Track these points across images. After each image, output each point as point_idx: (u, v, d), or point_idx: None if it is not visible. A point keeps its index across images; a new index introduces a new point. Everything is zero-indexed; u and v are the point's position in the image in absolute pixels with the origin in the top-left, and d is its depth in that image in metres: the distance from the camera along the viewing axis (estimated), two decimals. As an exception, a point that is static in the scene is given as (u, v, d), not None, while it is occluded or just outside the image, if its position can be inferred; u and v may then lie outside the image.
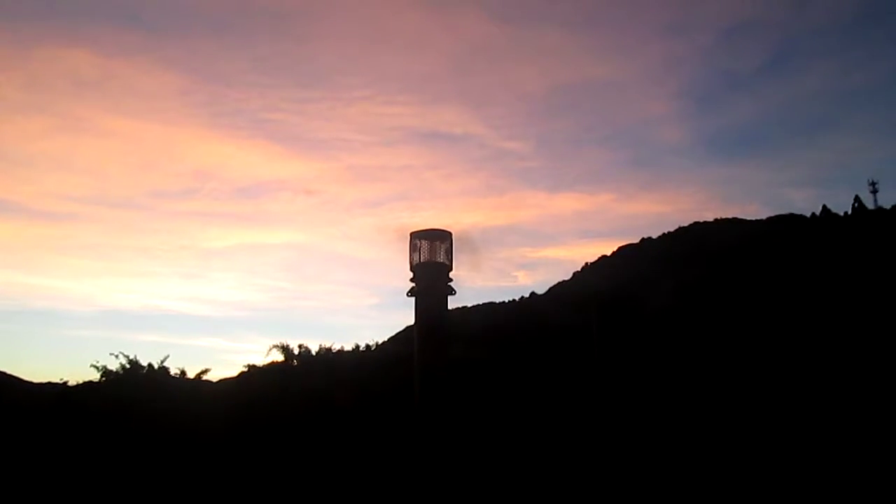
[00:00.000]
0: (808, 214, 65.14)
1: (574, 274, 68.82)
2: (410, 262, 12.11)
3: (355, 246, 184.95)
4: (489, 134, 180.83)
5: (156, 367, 33.14)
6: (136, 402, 29.00)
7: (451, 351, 11.97)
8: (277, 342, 31.97)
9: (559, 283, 66.05)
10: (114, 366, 31.67)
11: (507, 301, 62.94)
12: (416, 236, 12.27)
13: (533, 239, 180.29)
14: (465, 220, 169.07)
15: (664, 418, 22.21)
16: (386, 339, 49.17)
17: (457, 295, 11.99)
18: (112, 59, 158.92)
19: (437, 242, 12.09)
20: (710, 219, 72.45)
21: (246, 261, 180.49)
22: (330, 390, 27.41)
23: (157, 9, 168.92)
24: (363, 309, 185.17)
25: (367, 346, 34.41)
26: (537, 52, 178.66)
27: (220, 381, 54.78)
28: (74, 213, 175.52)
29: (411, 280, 11.93)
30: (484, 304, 62.09)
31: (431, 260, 11.95)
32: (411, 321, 12.08)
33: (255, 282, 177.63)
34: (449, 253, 12.08)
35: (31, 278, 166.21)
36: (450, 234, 12.25)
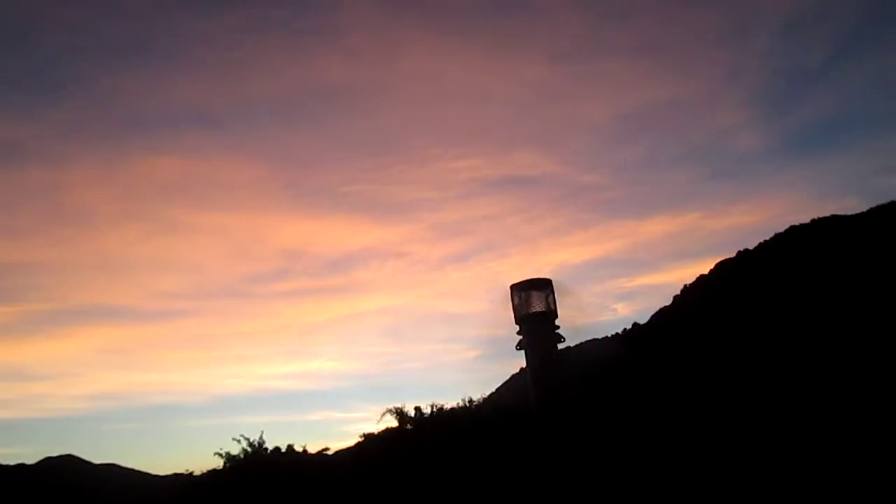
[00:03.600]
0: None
1: (674, 298, 66.91)
2: (515, 315, 12.12)
3: (449, 301, 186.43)
4: (565, 171, 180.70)
5: (272, 448, 33.96)
6: (263, 484, 29.79)
7: (566, 393, 11.90)
8: (390, 406, 32.15)
9: (661, 310, 64.33)
10: (235, 450, 32.56)
11: (609, 335, 61.81)
12: (518, 288, 12.32)
13: (626, 268, 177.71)
14: (554, 260, 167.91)
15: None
16: (494, 389, 48.95)
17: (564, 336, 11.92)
18: (193, 160, 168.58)
19: (539, 292, 12.11)
20: (807, 220, 69.40)
21: (345, 331, 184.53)
22: (448, 447, 27.43)
23: (229, 106, 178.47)
24: (466, 362, 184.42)
25: (470, 401, 34.02)
26: (599, 84, 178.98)
27: (338, 452, 55.56)
28: (177, 309, 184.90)
29: (518, 332, 11.96)
30: (588, 341, 61.11)
31: (536, 310, 11.99)
32: (515, 369, 12.13)
33: (357, 350, 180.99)
34: (552, 300, 12.07)
35: (145, 376, 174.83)
36: (549, 281, 12.27)
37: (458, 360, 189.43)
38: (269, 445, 33.55)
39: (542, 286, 12.12)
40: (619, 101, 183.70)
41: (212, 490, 30.84)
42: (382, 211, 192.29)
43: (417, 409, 31.07)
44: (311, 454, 36.54)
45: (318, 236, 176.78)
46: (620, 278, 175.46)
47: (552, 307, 12.01)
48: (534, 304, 11.95)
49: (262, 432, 33.68)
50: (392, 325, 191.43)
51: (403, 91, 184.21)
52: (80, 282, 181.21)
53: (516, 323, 12.09)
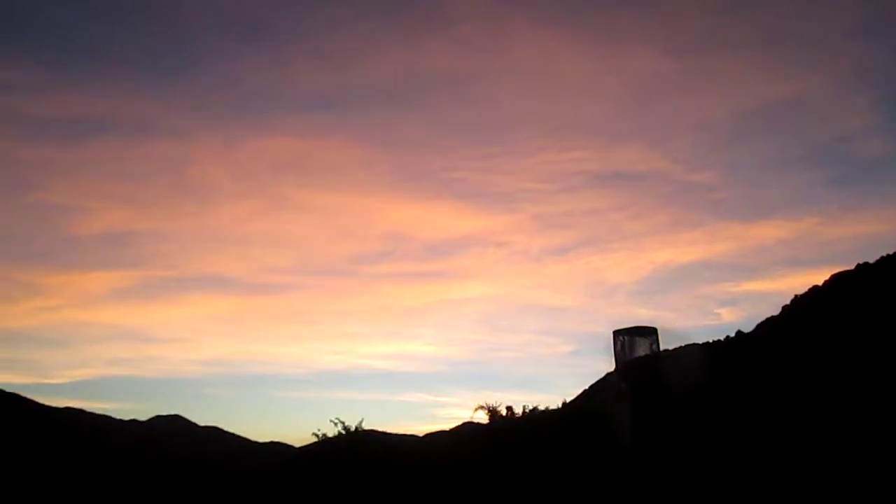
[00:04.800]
0: None
1: (783, 308, 64.05)
2: (616, 361, 11.89)
3: (547, 294, 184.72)
4: (673, 168, 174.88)
5: (367, 428, 34.90)
6: (358, 466, 30.73)
7: (668, 406, 11.71)
8: (481, 398, 32.39)
9: (767, 320, 61.76)
10: (332, 433, 33.69)
11: (710, 341, 59.77)
12: (620, 334, 12.08)
13: (733, 272, 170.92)
14: (657, 259, 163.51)
15: None
16: (586, 386, 48.40)
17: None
18: (305, 140, 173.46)
19: (642, 339, 11.82)
20: (937, 234, 64.58)
21: (443, 316, 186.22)
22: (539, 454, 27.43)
23: (342, 90, 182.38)
24: (559, 357, 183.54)
25: (564, 403, 33.80)
26: (714, 79, 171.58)
27: (428, 435, 56.49)
28: (283, 283, 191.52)
29: (619, 376, 11.77)
30: (687, 346, 59.36)
31: (637, 356, 11.74)
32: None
33: (452, 336, 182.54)
34: (655, 347, 11.77)
35: (250, 346, 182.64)
36: (654, 329, 11.92)
37: (552, 353, 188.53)
38: (365, 425, 34.57)
39: (646, 333, 11.87)
40: (737, 97, 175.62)
41: (308, 467, 32.10)
42: (485, 199, 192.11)
43: (510, 409, 31.23)
44: (403, 435, 37.40)
45: (421, 221, 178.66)
46: (726, 282, 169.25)
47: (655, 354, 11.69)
48: (638, 350, 11.77)
49: (362, 420, 34.69)
50: (489, 314, 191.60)
51: (511, 81, 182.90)
52: (197, 252, 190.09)
53: (616, 368, 11.90)
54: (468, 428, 36.95)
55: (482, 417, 31.54)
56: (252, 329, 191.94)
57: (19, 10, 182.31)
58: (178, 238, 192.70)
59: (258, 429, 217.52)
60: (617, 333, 11.62)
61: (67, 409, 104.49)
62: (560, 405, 33.65)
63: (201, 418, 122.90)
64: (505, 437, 29.17)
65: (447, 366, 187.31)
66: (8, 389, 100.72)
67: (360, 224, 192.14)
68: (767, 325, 59.51)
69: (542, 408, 33.14)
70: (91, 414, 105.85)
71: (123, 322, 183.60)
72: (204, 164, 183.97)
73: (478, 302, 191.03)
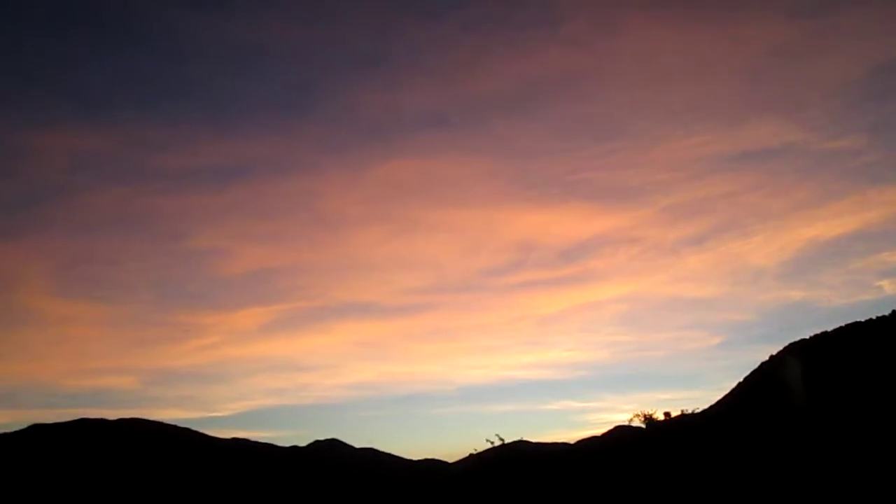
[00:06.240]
0: None
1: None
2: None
3: (688, 286, 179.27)
4: (810, 138, 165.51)
5: (517, 440, 35.04)
6: (516, 473, 30.79)
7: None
8: (638, 411, 31.72)
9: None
10: (484, 446, 33.99)
11: (874, 318, 55.71)
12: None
13: (891, 240, 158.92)
14: (804, 236, 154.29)
15: None
16: (740, 378, 46.35)
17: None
18: (426, 159, 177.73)
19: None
20: None
21: (581, 320, 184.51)
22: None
23: (456, 106, 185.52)
24: (708, 350, 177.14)
25: (721, 403, 32.48)
26: (847, 37, 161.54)
27: (579, 441, 55.86)
28: (421, 303, 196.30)
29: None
30: (849, 324, 55.56)
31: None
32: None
33: (594, 339, 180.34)
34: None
35: (395, 367, 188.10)
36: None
37: (700, 347, 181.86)
38: (515, 436, 34.68)
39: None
40: (873, 53, 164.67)
41: (468, 483, 32.54)
42: (612, 197, 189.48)
43: (667, 414, 30.41)
44: (555, 444, 37.24)
45: (548, 227, 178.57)
46: (884, 252, 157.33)
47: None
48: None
49: (521, 439, 34.72)
50: (628, 313, 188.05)
51: (624, 73, 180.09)
52: (336, 281, 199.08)
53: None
54: (621, 431, 36.29)
55: (637, 422, 30.91)
56: (395, 350, 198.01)
57: (149, 69, 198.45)
58: (316, 269, 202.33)
59: (411, 447, 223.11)
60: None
61: (234, 439, 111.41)
62: (715, 402, 32.38)
63: (357, 440, 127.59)
64: (663, 441, 28.36)
65: (591, 370, 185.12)
66: (181, 424, 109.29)
67: (489, 237, 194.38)
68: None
69: (699, 407, 32.09)
70: (256, 443, 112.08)
71: (275, 354, 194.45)
72: (334, 195, 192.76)
73: (616, 302, 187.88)
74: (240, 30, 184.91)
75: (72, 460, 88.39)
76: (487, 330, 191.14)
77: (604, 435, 39.54)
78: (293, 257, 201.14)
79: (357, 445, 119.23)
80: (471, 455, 39.26)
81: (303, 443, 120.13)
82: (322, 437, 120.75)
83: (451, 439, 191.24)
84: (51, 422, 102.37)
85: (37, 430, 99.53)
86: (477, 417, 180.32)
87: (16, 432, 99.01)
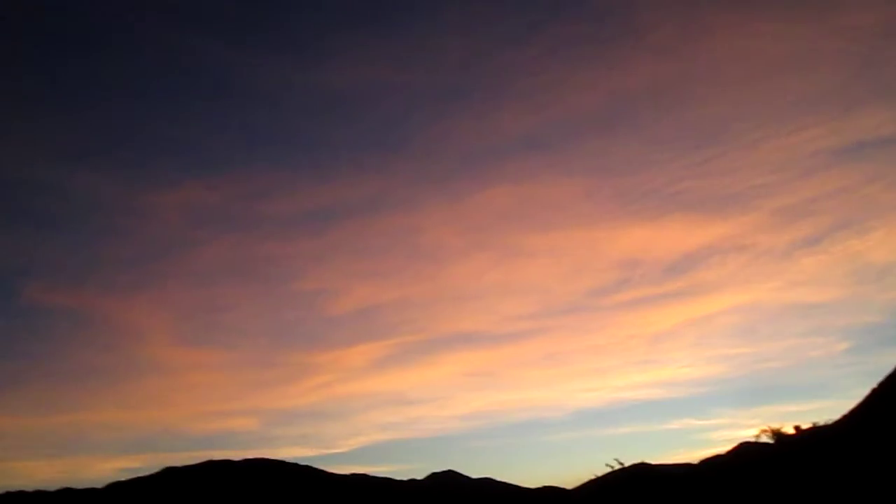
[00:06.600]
0: None
1: None
2: None
3: (805, 291, 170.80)
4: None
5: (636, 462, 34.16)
6: (640, 496, 30.19)
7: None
8: (766, 426, 30.46)
9: None
10: (603, 471, 33.47)
11: None
12: None
13: None
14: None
15: None
16: (874, 384, 43.51)
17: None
18: (522, 184, 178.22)
19: None
20: None
21: (694, 335, 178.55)
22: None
23: (548, 127, 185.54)
24: (833, 357, 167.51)
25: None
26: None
27: (704, 461, 53.76)
28: (527, 329, 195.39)
29: None
30: None
31: None
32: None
33: (710, 354, 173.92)
34: None
35: (505, 395, 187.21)
36: None
37: (824, 354, 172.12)
38: (634, 458, 34.00)
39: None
40: None
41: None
42: (716, 205, 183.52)
43: (797, 428, 29.06)
44: (677, 465, 36.10)
45: (652, 242, 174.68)
46: None
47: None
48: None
49: (641, 462, 34.09)
50: (744, 324, 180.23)
51: (718, 75, 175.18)
52: (441, 312, 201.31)
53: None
54: (747, 448, 34.82)
55: (765, 438, 29.59)
56: (504, 378, 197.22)
57: (248, 121, 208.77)
58: (421, 303, 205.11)
59: (527, 474, 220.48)
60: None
61: (354, 475, 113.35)
62: (848, 412, 30.60)
63: (473, 470, 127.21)
64: (795, 457, 27.05)
65: (709, 386, 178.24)
66: (302, 462, 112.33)
67: (592, 256, 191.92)
68: None
69: (831, 418, 30.37)
70: (374, 477, 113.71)
71: (386, 389, 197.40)
72: (432, 227, 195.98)
73: (729, 314, 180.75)
74: (329, 75, 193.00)
75: (203, 501, 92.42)
76: (597, 351, 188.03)
77: (729, 453, 38.02)
78: (397, 292, 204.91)
79: (474, 476, 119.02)
80: (591, 480, 38.76)
81: (420, 475, 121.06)
82: (438, 469, 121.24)
83: (567, 465, 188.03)
84: (181, 464, 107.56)
85: (170, 472, 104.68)
86: (592, 441, 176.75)
87: (152, 475, 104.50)
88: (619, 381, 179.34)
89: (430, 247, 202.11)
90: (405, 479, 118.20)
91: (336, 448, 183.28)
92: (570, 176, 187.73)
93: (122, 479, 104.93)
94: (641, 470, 35.20)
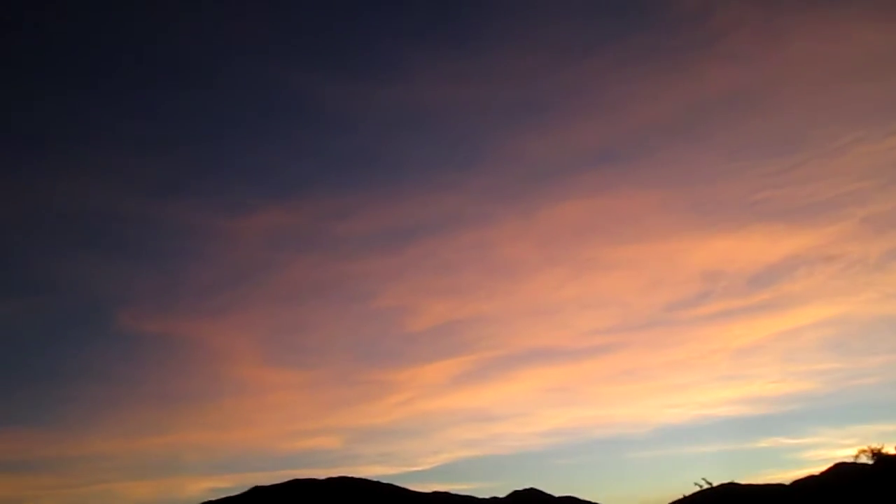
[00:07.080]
0: None
1: None
2: None
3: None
4: None
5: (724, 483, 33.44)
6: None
7: None
8: (865, 446, 29.39)
9: None
10: (691, 490, 32.86)
11: None
12: None
13: None
14: None
15: None
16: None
17: None
18: (597, 197, 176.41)
19: None
20: None
21: (781, 350, 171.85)
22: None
23: (621, 139, 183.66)
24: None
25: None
26: None
27: (796, 482, 52.03)
28: (606, 344, 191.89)
29: None
30: None
31: None
32: None
33: (799, 369, 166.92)
34: None
35: (586, 411, 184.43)
36: None
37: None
38: (723, 478, 33.35)
39: None
40: None
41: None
42: (801, 214, 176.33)
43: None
44: (769, 485, 35.10)
45: (734, 253, 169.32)
46: None
47: None
48: None
49: (731, 482, 33.52)
50: (835, 338, 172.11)
51: (799, 80, 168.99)
52: (518, 328, 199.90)
53: None
54: (844, 468, 33.56)
55: (864, 458, 28.49)
56: (584, 394, 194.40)
57: (324, 144, 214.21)
58: (498, 318, 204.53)
59: (610, 492, 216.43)
60: None
61: (436, 493, 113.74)
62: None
63: (555, 488, 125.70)
64: None
65: (799, 403, 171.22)
66: (384, 480, 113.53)
67: (671, 269, 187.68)
68: None
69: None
70: (456, 495, 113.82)
71: (466, 405, 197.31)
72: (508, 242, 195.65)
73: (818, 327, 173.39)
74: (401, 95, 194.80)
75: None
76: (679, 366, 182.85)
77: (825, 473, 36.72)
78: (474, 308, 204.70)
79: (556, 494, 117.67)
80: (681, 500, 38.04)
81: (501, 493, 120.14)
82: (520, 487, 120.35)
83: (651, 483, 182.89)
84: (268, 483, 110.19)
85: (257, 491, 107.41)
86: (676, 459, 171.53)
87: (240, 495, 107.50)
88: (703, 397, 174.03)
89: (506, 262, 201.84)
90: (487, 496, 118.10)
91: (417, 466, 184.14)
92: (645, 188, 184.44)
93: (213, 498, 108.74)
94: (732, 490, 34.37)
